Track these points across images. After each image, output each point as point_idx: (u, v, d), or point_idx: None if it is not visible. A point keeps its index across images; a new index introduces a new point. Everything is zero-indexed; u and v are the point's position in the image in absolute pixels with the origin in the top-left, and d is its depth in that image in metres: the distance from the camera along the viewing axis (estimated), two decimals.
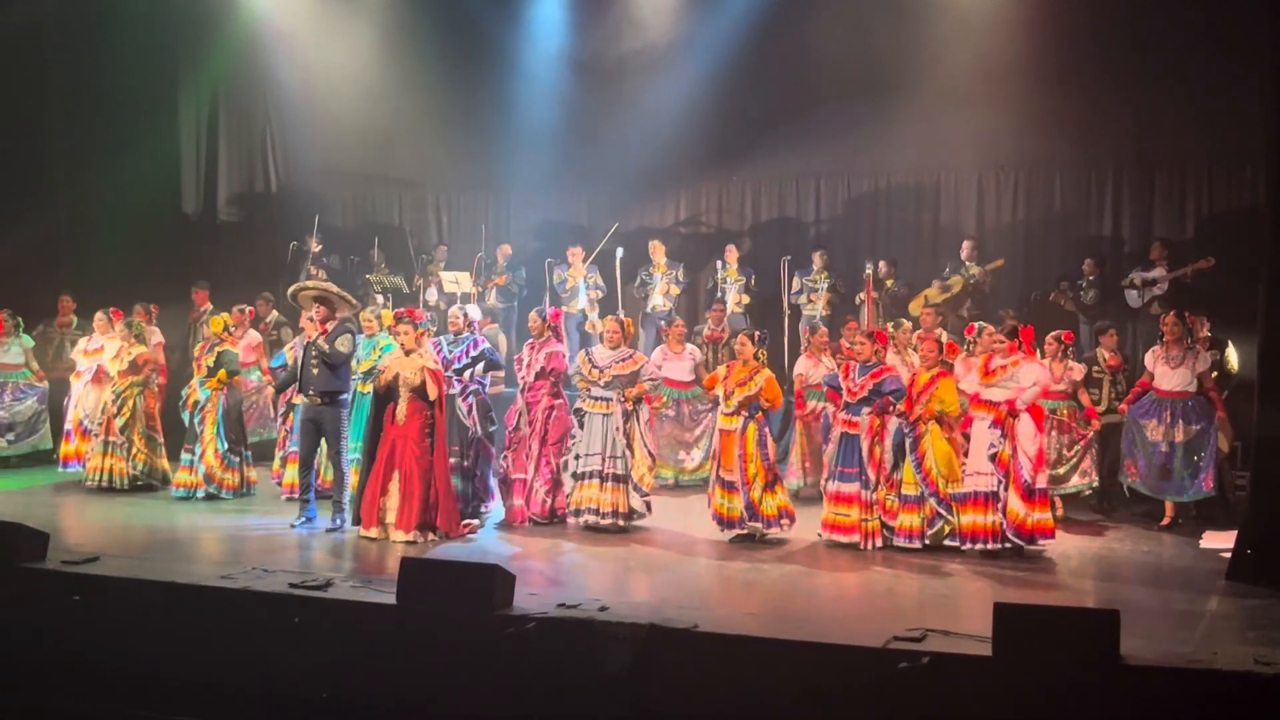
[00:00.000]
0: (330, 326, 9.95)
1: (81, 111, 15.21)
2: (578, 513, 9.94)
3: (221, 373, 11.06)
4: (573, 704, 6.59)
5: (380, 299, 14.62)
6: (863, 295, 13.18)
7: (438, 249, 15.59)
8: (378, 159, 16.43)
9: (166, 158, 15.94)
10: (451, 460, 10.04)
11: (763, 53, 14.34)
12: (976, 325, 10.22)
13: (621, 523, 9.88)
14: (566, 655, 6.66)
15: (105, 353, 12.01)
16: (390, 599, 7.15)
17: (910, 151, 14.40)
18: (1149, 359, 10.41)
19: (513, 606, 6.98)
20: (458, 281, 14.41)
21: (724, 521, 9.53)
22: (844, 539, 9.35)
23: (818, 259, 13.97)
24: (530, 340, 10.52)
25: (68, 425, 12.36)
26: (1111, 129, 13.69)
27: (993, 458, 8.99)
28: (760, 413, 9.54)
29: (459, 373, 10.31)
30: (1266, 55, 9.13)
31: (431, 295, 14.94)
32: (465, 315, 10.72)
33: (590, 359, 10.13)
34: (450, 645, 6.88)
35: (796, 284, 13.85)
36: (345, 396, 10.05)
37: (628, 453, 9.91)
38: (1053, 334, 10.53)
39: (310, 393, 9.89)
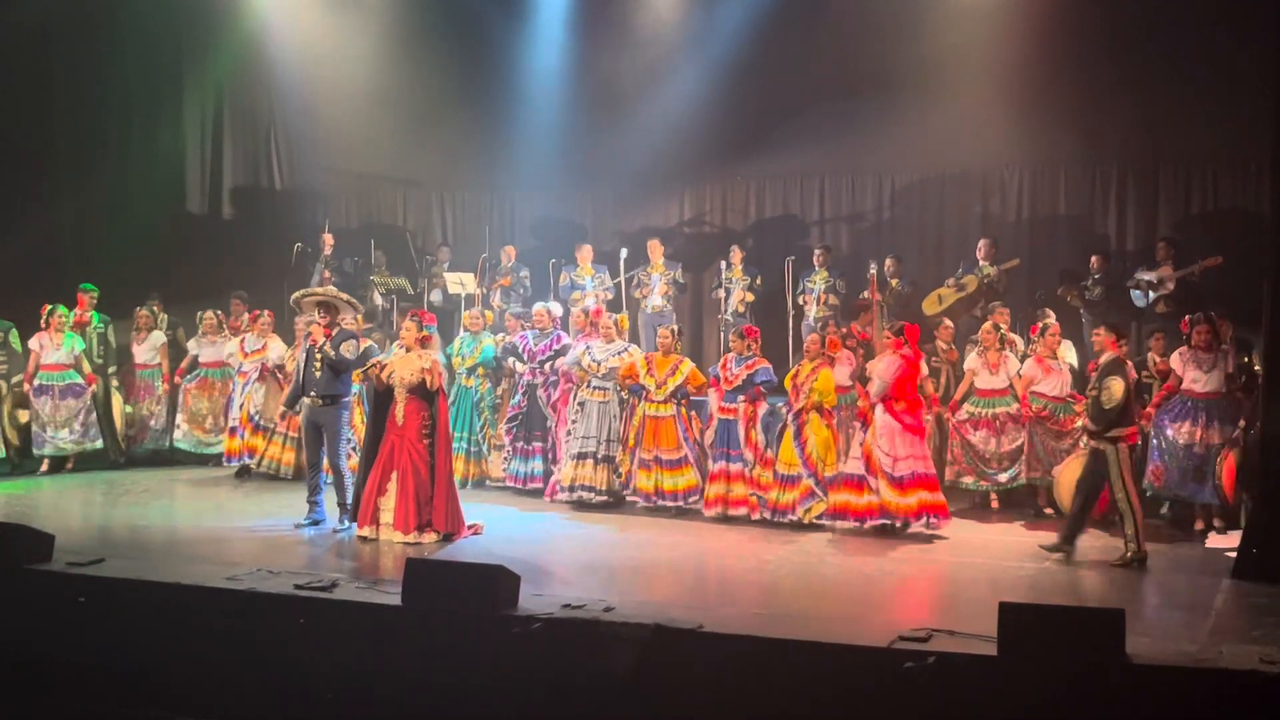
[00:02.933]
0: (334, 331, 9.99)
1: (86, 110, 15.22)
2: (572, 488, 10.90)
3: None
4: (578, 704, 6.59)
5: (379, 299, 14.67)
6: (867, 294, 13.14)
7: (440, 250, 15.58)
8: (381, 158, 16.42)
9: (171, 156, 15.95)
10: (536, 445, 11.48)
11: (767, 51, 14.31)
12: (1041, 324, 10.23)
13: (610, 499, 10.89)
14: (571, 656, 6.65)
15: (269, 352, 12.54)
16: (395, 600, 7.16)
17: (915, 150, 14.38)
18: (1175, 361, 10.20)
19: (518, 607, 6.98)
20: (462, 283, 14.39)
21: (659, 495, 10.67)
22: (733, 512, 10.33)
23: (818, 257, 13.94)
24: (579, 335, 11.68)
25: (234, 421, 12.56)
26: (1117, 126, 13.66)
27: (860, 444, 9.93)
28: (686, 398, 10.76)
29: (542, 365, 11.55)
30: (1272, 53, 9.11)
31: (436, 296, 14.94)
32: (549, 312, 11.92)
33: (589, 353, 11.12)
34: (455, 646, 6.88)
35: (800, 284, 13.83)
36: (346, 399, 10.15)
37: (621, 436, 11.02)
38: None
39: (312, 394, 9.95)
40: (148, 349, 13.24)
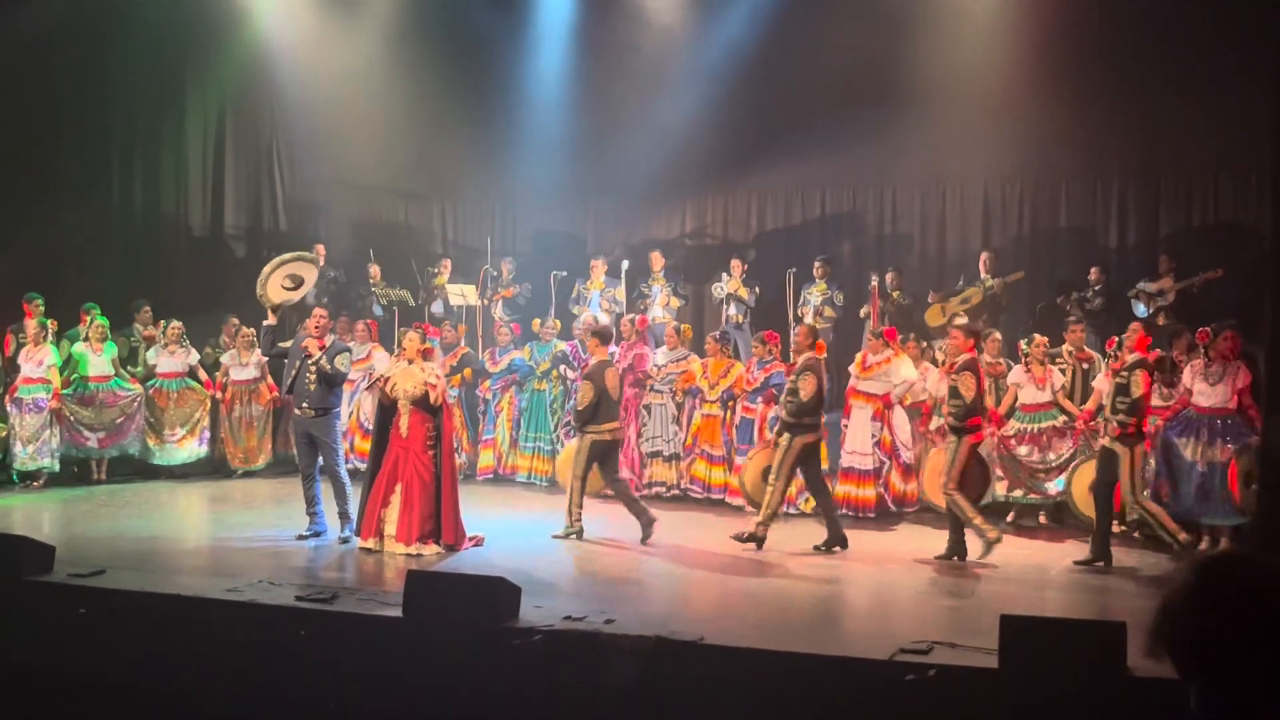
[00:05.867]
0: (327, 342, 10.02)
1: (89, 122, 15.24)
2: (650, 485, 11.88)
3: (467, 371, 12.91)
4: (578, 717, 6.58)
5: (379, 310, 14.69)
6: (868, 308, 13.15)
7: (442, 262, 15.60)
8: (383, 171, 16.45)
9: (173, 170, 15.97)
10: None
11: (769, 63, 14.33)
12: (1118, 338, 10.04)
13: (678, 492, 11.84)
14: (572, 668, 6.64)
15: (374, 360, 12.88)
16: (396, 611, 7.15)
17: (916, 162, 14.40)
18: (1186, 375, 9.93)
19: (519, 619, 6.97)
20: (464, 294, 14.41)
21: (705, 488, 11.64)
22: (731, 500, 11.43)
23: (818, 269, 13.94)
24: (623, 342, 12.42)
25: (343, 426, 12.57)
26: (1117, 138, 13.69)
27: (877, 443, 10.85)
28: (733, 399, 11.63)
29: None
30: (1271, 65, 9.12)
31: (437, 308, 14.95)
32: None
33: (653, 360, 12.18)
34: (456, 658, 6.87)
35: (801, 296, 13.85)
36: (337, 409, 10.20)
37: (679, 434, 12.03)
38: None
39: (304, 405, 9.96)
40: (106, 360, 12.75)
